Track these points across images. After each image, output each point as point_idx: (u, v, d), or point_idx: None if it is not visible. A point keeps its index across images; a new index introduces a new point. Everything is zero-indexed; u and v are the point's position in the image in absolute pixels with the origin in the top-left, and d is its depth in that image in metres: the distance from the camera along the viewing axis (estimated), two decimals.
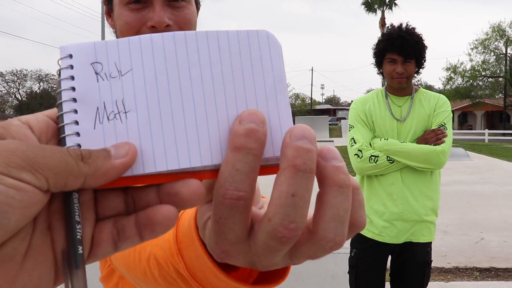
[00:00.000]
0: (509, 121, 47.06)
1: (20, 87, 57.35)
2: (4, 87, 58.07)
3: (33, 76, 56.90)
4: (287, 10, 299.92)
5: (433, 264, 5.37)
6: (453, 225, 7.28)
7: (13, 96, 57.51)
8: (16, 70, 57.43)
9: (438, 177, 2.71)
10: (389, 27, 2.73)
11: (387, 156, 2.61)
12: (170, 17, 1.03)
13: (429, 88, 72.24)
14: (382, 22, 41.64)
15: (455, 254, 5.77)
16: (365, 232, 2.73)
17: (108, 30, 1.19)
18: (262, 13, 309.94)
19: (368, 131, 2.77)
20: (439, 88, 53.51)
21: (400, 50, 2.57)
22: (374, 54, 2.76)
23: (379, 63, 2.73)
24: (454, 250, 5.96)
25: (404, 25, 2.67)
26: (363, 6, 42.56)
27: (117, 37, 1.14)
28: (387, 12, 42.00)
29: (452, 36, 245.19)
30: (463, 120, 55.27)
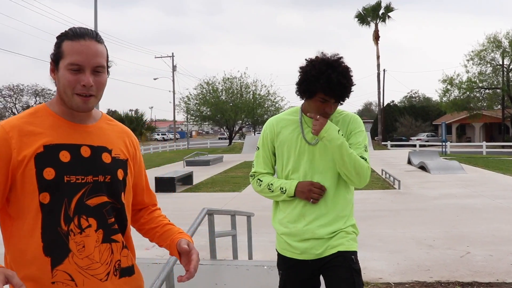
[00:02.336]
0: (508, 133, 47.05)
1: (16, 102, 57.44)
2: (1, 102, 58.23)
3: (29, 91, 57.05)
4: (281, 23, 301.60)
5: (414, 278, 5.45)
6: (440, 239, 7.32)
7: (10, 111, 57.56)
8: (13, 85, 57.34)
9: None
10: (321, 61, 2.45)
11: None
12: (93, 80, 1.60)
13: (427, 100, 72.36)
14: (376, 35, 41.93)
15: (438, 268, 5.80)
16: (284, 253, 2.63)
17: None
18: (257, 26, 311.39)
19: (268, 156, 2.69)
20: (436, 100, 53.60)
21: (338, 97, 2.43)
22: (301, 86, 2.50)
23: (307, 96, 2.50)
24: (438, 264, 6.00)
25: (338, 62, 2.44)
26: (356, 19, 42.83)
27: (57, 88, 1.64)
28: (381, 25, 42.29)
29: (448, 48, 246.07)
30: (461, 132, 55.25)
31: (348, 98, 2.50)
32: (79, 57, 1.58)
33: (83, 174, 1.62)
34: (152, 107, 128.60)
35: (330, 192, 2.51)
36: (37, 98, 57.81)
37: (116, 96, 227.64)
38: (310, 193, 2.49)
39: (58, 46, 1.63)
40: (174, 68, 58.03)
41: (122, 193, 1.73)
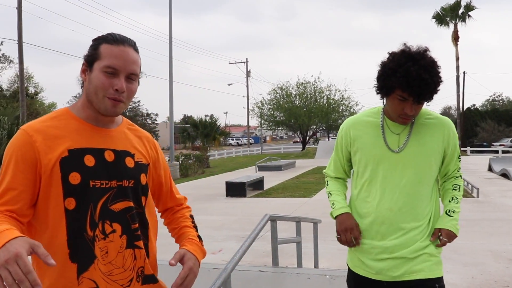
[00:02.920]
0: None
1: None
2: None
3: None
4: (356, 27, 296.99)
5: None
6: None
7: None
8: None
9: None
10: (401, 53, 2.13)
11: None
12: (126, 86, 1.62)
13: None
14: (455, 36, 40.12)
15: None
16: (357, 270, 2.36)
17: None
18: (331, 30, 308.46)
19: (341, 160, 2.47)
20: None
21: (417, 95, 2.07)
22: (379, 81, 2.19)
23: (384, 93, 2.19)
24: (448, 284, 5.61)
25: (421, 54, 2.10)
26: (434, 20, 41.27)
27: (86, 89, 1.65)
28: (460, 25, 40.46)
29: None
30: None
31: (431, 98, 2.12)
32: (116, 61, 1.59)
33: (107, 179, 1.61)
34: (226, 112, 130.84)
35: (413, 209, 2.22)
36: None
37: (191, 102, 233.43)
38: (344, 233, 2.31)
39: (95, 48, 1.64)
40: (248, 73, 58.69)
41: (144, 198, 1.73)
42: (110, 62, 1.59)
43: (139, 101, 62.71)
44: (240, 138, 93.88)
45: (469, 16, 40.37)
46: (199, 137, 30.07)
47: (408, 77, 2.03)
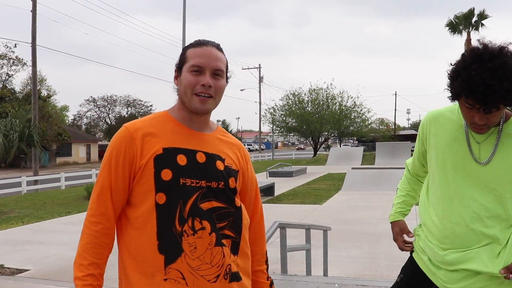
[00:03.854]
0: None
1: (109, 112, 61.32)
2: (96, 112, 62.18)
3: (121, 102, 60.65)
4: (369, 33, 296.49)
5: None
6: None
7: (103, 121, 61.31)
8: (107, 96, 61.44)
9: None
10: (470, 52, 1.82)
11: None
12: (212, 82, 1.72)
13: None
14: (468, 44, 39.81)
15: None
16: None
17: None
18: (344, 37, 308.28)
19: (417, 157, 2.28)
20: None
21: (482, 103, 1.76)
22: (448, 85, 1.91)
23: (452, 98, 1.91)
24: None
25: (493, 54, 1.76)
26: (447, 28, 41.05)
27: (179, 92, 1.78)
28: (473, 34, 40.16)
29: None
30: None
31: (507, 105, 1.78)
32: (200, 60, 1.73)
33: (197, 178, 1.70)
34: (238, 118, 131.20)
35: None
36: (129, 108, 61.05)
37: None
38: (396, 237, 2.34)
39: (183, 54, 1.80)
40: (260, 79, 58.83)
41: (236, 199, 1.80)
42: (195, 62, 1.73)
43: (151, 105, 63.12)
44: (252, 143, 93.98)
45: (482, 24, 40.09)
46: None
47: (469, 83, 1.74)
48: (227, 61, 1.83)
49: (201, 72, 1.72)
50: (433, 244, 2.07)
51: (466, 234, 1.95)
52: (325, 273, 5.66)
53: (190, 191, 1.68)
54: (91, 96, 63.16)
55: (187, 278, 1.63)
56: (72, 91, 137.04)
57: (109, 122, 60.99)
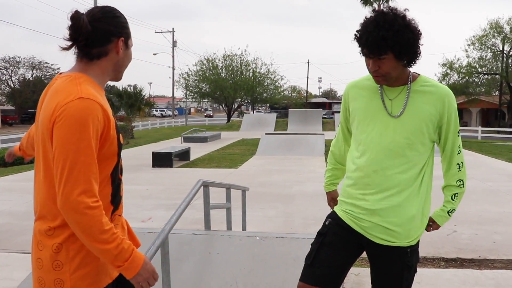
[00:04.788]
0: (504, 119, 47.19)
1: (12, 75, 57.19)
2: None
3: (26, 64, 56.76)
4: (284, 2, 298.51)
5: None
6: None
7: (5, 84, 57.33)
8: (9, 57, 57.11)
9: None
10: (366, 18, 2.18)
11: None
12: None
13: None
14: None
15: (425, 245, 5.99)
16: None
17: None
18: (258, 3, 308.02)
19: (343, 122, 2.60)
20: None
21: (365, 46, 2.14)
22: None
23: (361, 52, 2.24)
24: (425, 241, 6.18)
25: (384, 14, 2.12)
26: (359, 0, 42.35)
27: (111, 61, 1.85)
28: (383, 6, 41.65)
29: (450, 32, 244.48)
30: (458, 116, 55.32)
31: (398, 51, 2.11)
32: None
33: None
34: (151, 83, 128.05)
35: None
36: (34, 71, 57.54)
37: None
38: (329, 203, 2.85)
39: (128, 28, 1.92)
40: (174, 43, 57.84)
41: None
42: (132, 42, 1.97)
43: (59, 68, 60.01)
44: (165, 109, 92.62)
45: None
46: (123, 107, 29.51)
47: (359, 32, 2.16)
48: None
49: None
50: (356, 192, 2.38)
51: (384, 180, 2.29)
52: (244, 230, 5.99)
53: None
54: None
55: (121, 220, 1.96)
56: None
57: (12, 85, 57.29)
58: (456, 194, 2.45)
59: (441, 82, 45.01)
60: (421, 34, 2.18)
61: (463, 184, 2.45)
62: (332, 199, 2.83)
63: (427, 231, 2.49)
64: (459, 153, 2.40)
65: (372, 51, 2.12)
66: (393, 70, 2.18)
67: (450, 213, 2.47)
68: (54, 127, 1.64)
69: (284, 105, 61.97)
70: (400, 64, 2.19)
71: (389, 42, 2.07)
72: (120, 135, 1.86)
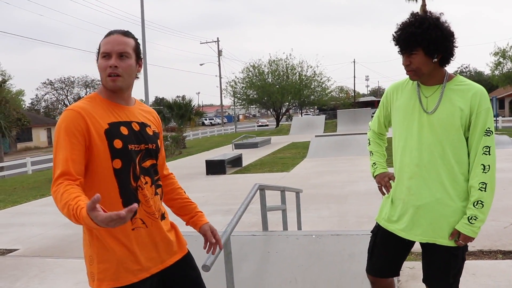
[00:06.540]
0: None
1: (68, 94, 59.77)
2: (54, 95, 60.58)
3: (79, 83, 59.29)
4: (324, 2, 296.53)
5: None
6: None
7: (62, 103, 59.89)
8: (64, 77, 59.89)
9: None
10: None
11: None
12: (118, 63, 2.04)
13: (479, 74, 69.82)
14: (423, 10, 40.57)
15: (481, 238, 6.00)
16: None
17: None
18: (299, 6, 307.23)
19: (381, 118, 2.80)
20: (488, 74, 51.86)
21: (397, 42, 2.41)
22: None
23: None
24: (481, 234, 6.18)
25: (418, 16, 2.39)
26: None
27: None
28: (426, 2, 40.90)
29: (501, 19, 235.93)
30: (491, 117, 53.25)
31: (428, 47, 2.32)
32: (107, 46, 2.06)
33: (138, 143, 2.11)
34: (199, 93, 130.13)
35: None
36: (88, 89, 59.82)
37: (163, 83, 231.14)
38: (381, 180, 2.72)
39: (98, 45, 2.12)
40: (219, 52, 58.66)
41: (160, 156, 2.29)
42: (103, 49, 2.07)
43: None
44: (213, 117, 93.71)
45: None
46: (174, 118, 30.21)
47: (395, 31, 2.43)
48: (136, 44, 2.15)
49: (109, 57, 2.04)
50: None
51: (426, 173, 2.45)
52: (300, 229, 6.18)
53: (134, 154, 2.06)
54: (48, 79, 61.63)
55: (146, 222, 2.09)
56: (26, 75, 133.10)
57: (68, 104, 59.81)
58: (479, 202, 2.36)
59: (493, 71, 43.66)
60: (452, 34, 2.36)
61: (485, 189, 2.36)
62: (386, 175, 2.73)
63: (457, 245, 2.43)
64: (485, 153, 2.37)
65: (403, 47, 2.38)
66: (423, 66, 2.38)
67: (471, 221, 2.37)
68: None
69: (332, 106, 61.58)
70: (430, 61, 2.37)
71: (418, 38, 2.31)
72: (119, 141, 2.02)
